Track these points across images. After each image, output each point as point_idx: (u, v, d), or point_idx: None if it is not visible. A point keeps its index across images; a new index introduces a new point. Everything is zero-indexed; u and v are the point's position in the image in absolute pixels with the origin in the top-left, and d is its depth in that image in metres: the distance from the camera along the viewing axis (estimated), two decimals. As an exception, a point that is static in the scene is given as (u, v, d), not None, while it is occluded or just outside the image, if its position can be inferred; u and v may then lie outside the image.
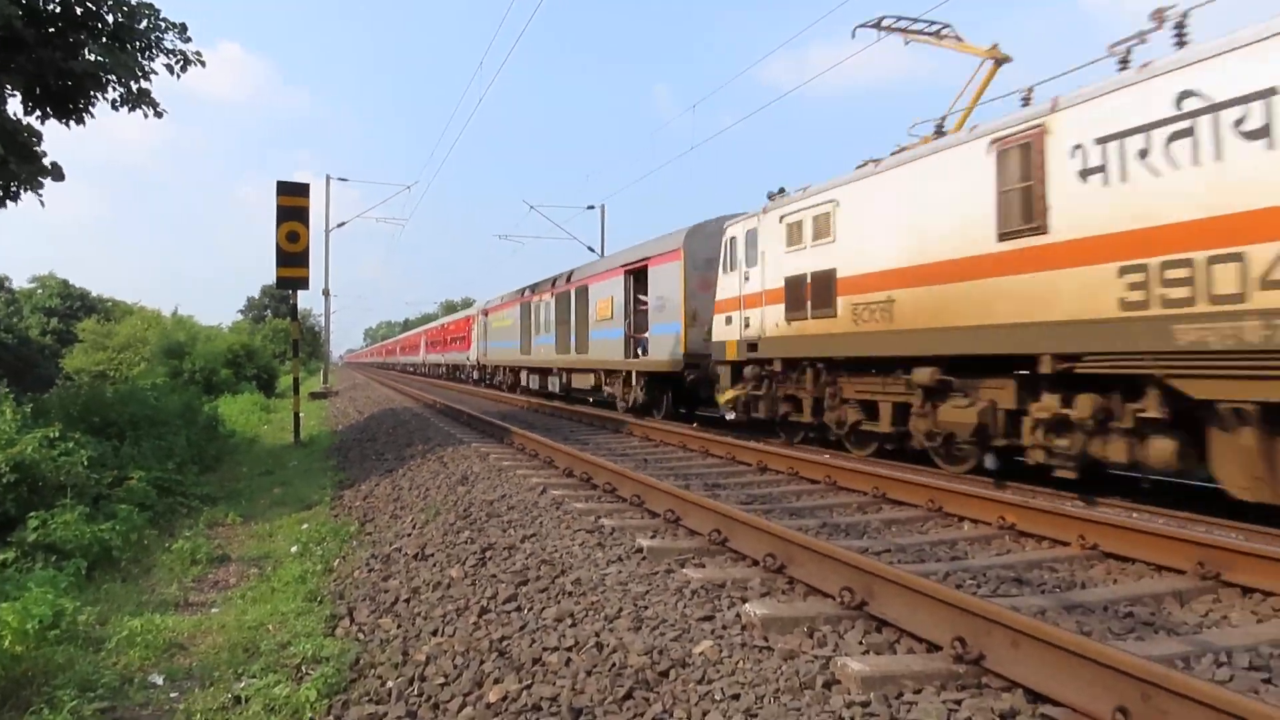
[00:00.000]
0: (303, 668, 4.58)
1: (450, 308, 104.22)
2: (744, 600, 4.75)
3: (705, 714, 3.47)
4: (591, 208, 39.79)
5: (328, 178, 39.15)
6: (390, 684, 4.22)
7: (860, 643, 4.16)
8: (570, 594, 5.09)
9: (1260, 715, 2.73)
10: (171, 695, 4.44)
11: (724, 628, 4.36)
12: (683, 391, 17.24)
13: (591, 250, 37.48)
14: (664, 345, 17.16)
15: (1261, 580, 5.01)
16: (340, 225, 42.79)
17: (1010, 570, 5.59)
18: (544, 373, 26.28)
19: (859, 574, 4.60)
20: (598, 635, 4.33)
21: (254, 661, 4.76)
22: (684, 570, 5.41)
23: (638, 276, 19.27)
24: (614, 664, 3.96)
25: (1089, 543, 6.04)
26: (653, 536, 6.44)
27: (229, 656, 4.87)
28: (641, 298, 19.23)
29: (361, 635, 5.06)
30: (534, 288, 27.65)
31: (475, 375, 39.01)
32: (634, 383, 18.61)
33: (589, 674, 3.90)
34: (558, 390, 24.63)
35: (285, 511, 9.58)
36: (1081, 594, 5.07)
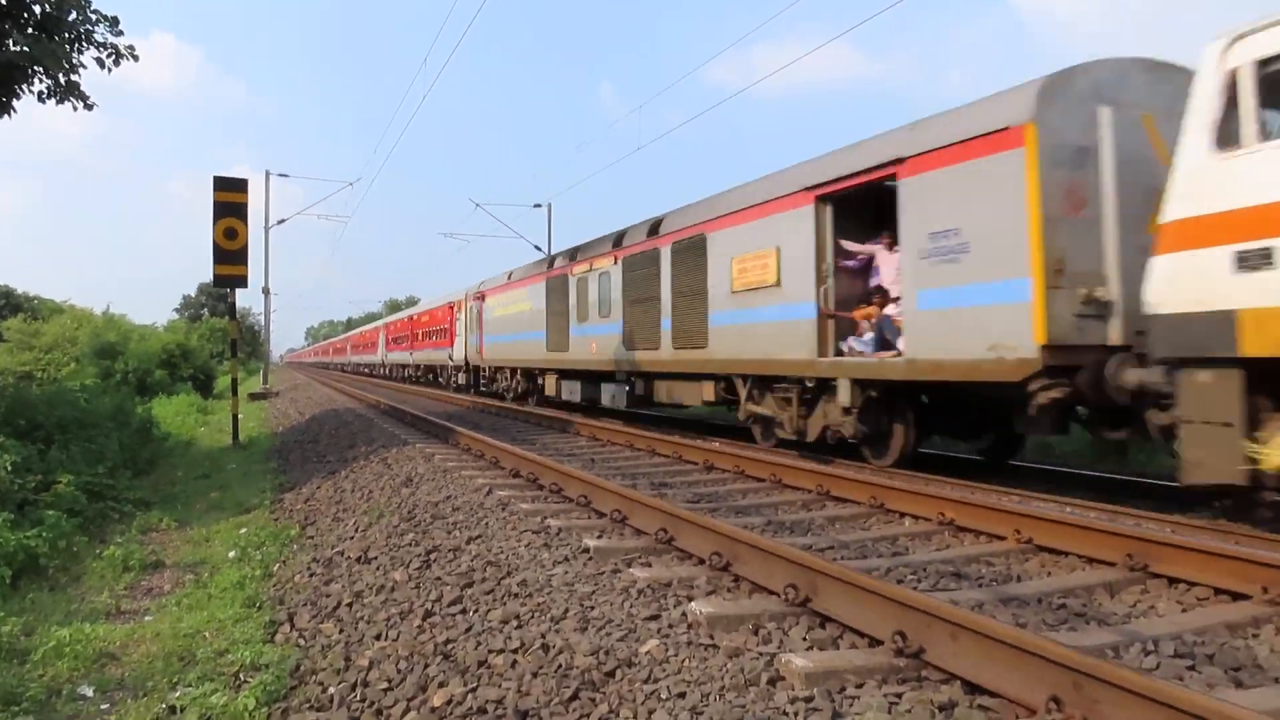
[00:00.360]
0: (241, 675, 4.47)
1: (395, 306, 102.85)
2: (690, 599, 4.77)
3: (651, 713, 3.48)
4: (538, 206, 39.53)
5: (267, 173, 38.39)
6: (332, 690, 4.14)
7: (804, 639, 4.21)
8: (516, 595, 5.06)
9: (1183, 701, 2.83)
10: (102, 707, 4.30)
11: (670, 626, 4.38)
12: (1024, 421, 8.52)
13: (539, 249, 37.14)
14: (963, 326, 8.45)
15: (1186, 571, 5.20)
16: (281, 222, 41.74)
17: (949, 565, 5.71)
18: (596, 378, 18.00)
19: (803, 571, 4.66)
20: (544, 636, 4.32)
21: (190, 670, 4.63)
22: (630, 570, 5.42)
23: (847, 204, 10.63)
24: (560, 665, 3.95)
25: (1024, 537, 6.21)
26: (599, 536, 6.43)
27: (163, 665, 4.73)
28: (851, 245, 10.78)
29: (302, 641, 4.96)
30: (572, 254, 19.43)
31: (461, 379, 30.05)
32: (842, 399, 10.06)
33: (535, 675, 3.88)
34: (621, 404, 16.79)
35: (223, 515, 9.35)
36: (1017, 587, 5.21)
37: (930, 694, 3.53)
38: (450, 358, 31.33)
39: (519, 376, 23.51)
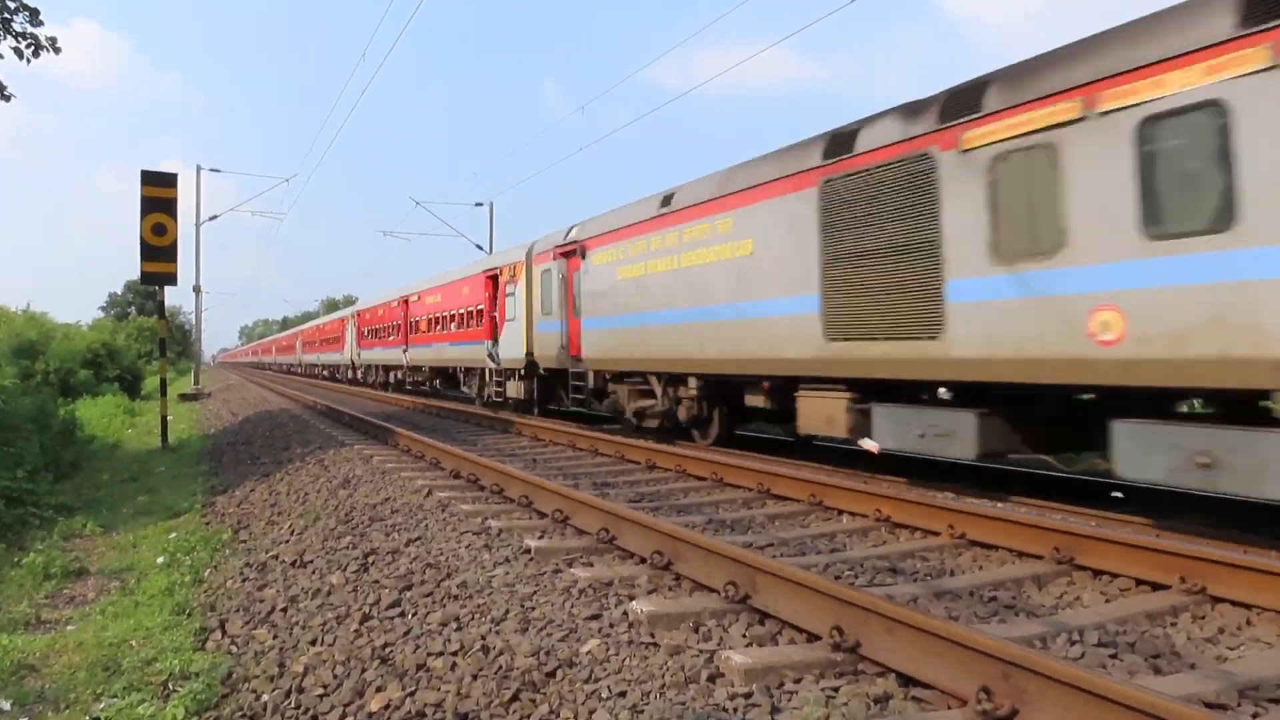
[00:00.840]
0: (169, 684, 4.34)
1: (332, 305, 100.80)
2: (631, 598, 4.78)
3: (592, 712, 3.48)
4: (480, 205, 39.11)
5: (198, 168, 37.37)
6: (265, 697, 4.05)
7: (744, 635, 4.26)
8: (456, 597, 5.01)
9: (1105, 689, 2.94)
10: (20, 720, 4.13)
11: (611, 626, 4.38)
12: None
13: (480, 248, 36.77)
14: None
15: (1109, 563, 5.39)
16: (213, 218, 40.52)
17: (885, 560, 5.82)
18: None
19: (743, 568, 4.71)
20: (484, 638, 4.28)
21: (115, 680, 4.48)
22: (572, 570, 5.41)
23: None
24: (500, 666, 3.92)
25: (958, 532, 6.36)
26: (541, 537, 6.41)
27: (86, 676, 4.57)
28: None
29: (234, 648, 4.83)
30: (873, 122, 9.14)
31: (511, 392, 19.30)
32: None
33: (475, 678, 3.85)
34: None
35: (151, 520, 9.06)
36: (950, 581, 5.34)
37: (866, 687, 3.60)
38: (492, 355, 20.43)
39: (697, 391, 12.35)
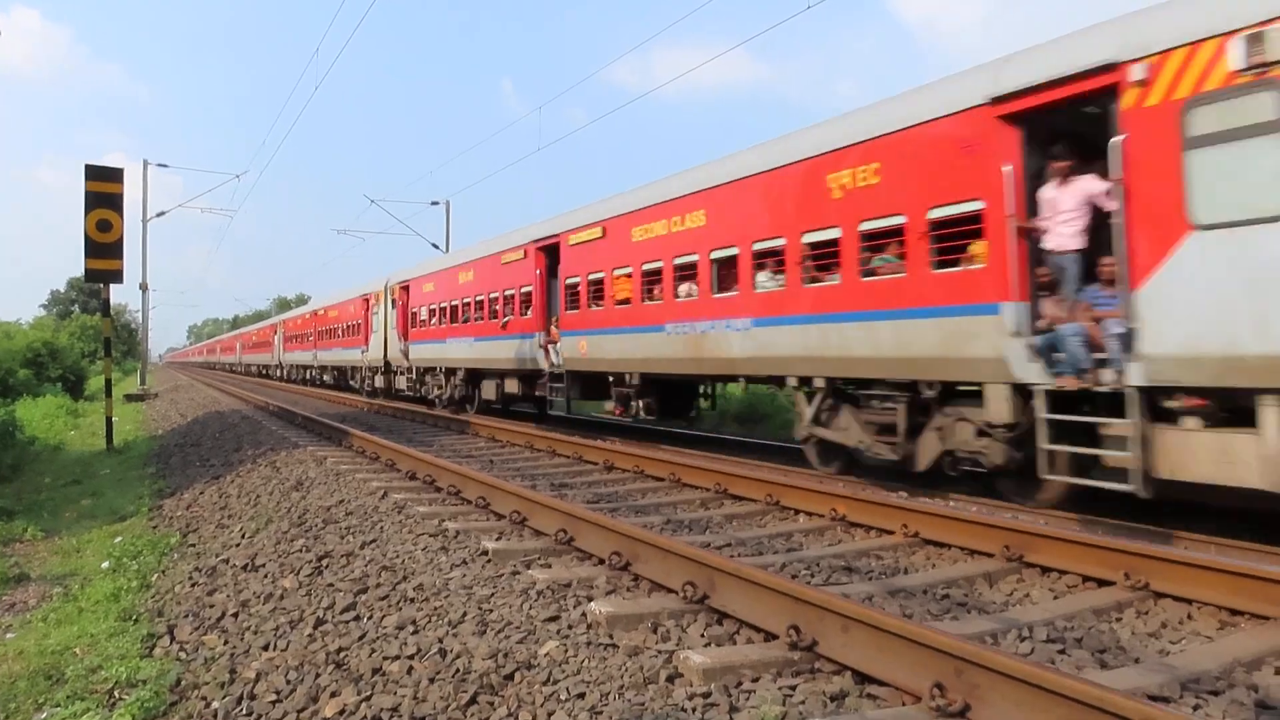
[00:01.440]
0: (115, 693, 4.23)
1: (284, 304, 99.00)
2: (590, 599, 4.78)
3: (551, 714, 3.47)
4: (436, 204, 38.76)
5: (145, 163, 36.37)
6: (215, 704, 3.96)
7: (702, 635, 4.28)
8: (412, 600, 4.96)
9: (1053, 683, 3.01)
10: (-43, 732, 4.00)
11: (570, 627, 4.37)
12: None
13: (436, 247, 36.49)
14: None
15: (1058, 560, 5.52)
16: (160, 214, 39.48)
17: (841, 559, 5.89)
18: None
19: (701, 568, 4.73)
20: (441, 641, 4.25)
21: (58, 689, 4.35)
22: (530, 571, 5.38)
23: None
24: (458, 670, 3.89)
25: (911, 531, 6.46)
26: (498, 539, 6.37)
27: (28, 686, 4.43)
28: None
29: (183, 654, 4.73)
30: None
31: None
32: None
33: (432, 681, 3.81)
34: None
35: (95, 524, 8.82)
36: (904, 579, 5.42)
37: (823, 685, 3.65)
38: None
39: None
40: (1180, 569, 4.94)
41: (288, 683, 4.04)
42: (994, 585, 5.42)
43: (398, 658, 4.13)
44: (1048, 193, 7.33)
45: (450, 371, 20.58)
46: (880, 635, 3.65)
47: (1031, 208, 7.42)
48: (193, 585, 6.06)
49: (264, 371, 51.69)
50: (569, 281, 14.87)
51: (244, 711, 3.85)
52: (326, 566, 5.92)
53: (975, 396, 7.81)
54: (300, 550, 6.42)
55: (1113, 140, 6.63)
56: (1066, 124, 7.40)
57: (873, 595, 4.95)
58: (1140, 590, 4.98)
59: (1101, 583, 5.22)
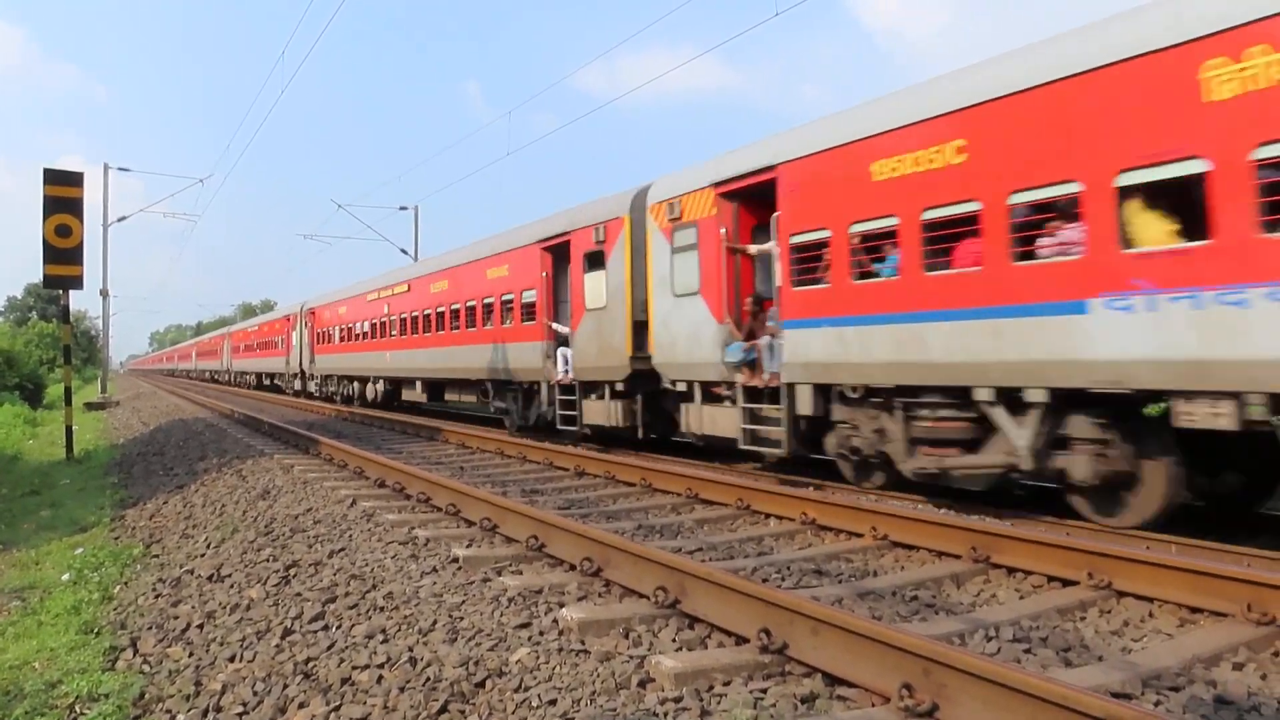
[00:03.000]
0: (76, 708, 4.15)
1: (249, 311, 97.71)
2: (561, 605, 4.77)
3: (522, 722, 3.46)
4: (404, 209, 38.56)
5: (105, 167, 35.89)
6: (181, 717, 3.90)
7: (674, 640, 4.29)
8: (382, 609, 4.91)
9: (1019, 682, 3.05)
10: (-89, 751, 3.90)
11: (541, 634, 4.36)
12: None
13: (405, 253, 36.40)
14: None
15: (1023, 561, 5.61)
16: (121, 219, 38.91)
17: (811, 562, 5.93)
18: None
19: (672, 573, 4.74)
20: (411, 650, 4.21)
21: (16, 705, 4.25)
22: (501, 578, 5.36)
23: None
24: (428, 678, 3.86)
25: (880, 534, 6.53)
26: (469, 545, 6.33)
27: (-15, 701, 4.33)
28: None
29: (147, 667, 4.64)
30: None
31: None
32: None
33: (402, 690, 3.78)
34: None
35: (55, 535, 8.63)
36: (874, 581, 5.47)
37: (793, 687, 3.67)
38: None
39: (382, 385, 25.18)
40: (1142, 568, 5.04)
41: (255, 694, 3.99)
42: (961, 586, 5.48)
43: (367, 667, 4.09)
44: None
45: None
46: (849, 637, 3.68)
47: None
48: (156, 597, 5.95)
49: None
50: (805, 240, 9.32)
51: (210, 724, 3.80)
52: (294, 576, 5.85)
53: None
54: (267, 559, 6.34)
55: None
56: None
57: (842, 598, 4.99)
58: (1103, 589, 5.07)
59: (1066, 582, 5.30)
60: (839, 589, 5.21)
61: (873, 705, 3.49)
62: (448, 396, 21.04)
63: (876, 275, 8.45)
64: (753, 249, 10.51)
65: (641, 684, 3.72)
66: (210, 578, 6.13)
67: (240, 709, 3.88)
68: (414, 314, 21.31)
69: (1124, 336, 6.40)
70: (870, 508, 6.92)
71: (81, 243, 15.40)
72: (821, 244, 9.02)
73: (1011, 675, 3.11)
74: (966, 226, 7.49)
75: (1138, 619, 4.76)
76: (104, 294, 36.98)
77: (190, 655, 4.70)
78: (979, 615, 4.76)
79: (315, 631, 4.71)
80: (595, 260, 13.12)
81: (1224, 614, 4.61)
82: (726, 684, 3.72)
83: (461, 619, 4.61)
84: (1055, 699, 2.92)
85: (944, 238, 7.69)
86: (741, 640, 4.16)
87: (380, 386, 24.41)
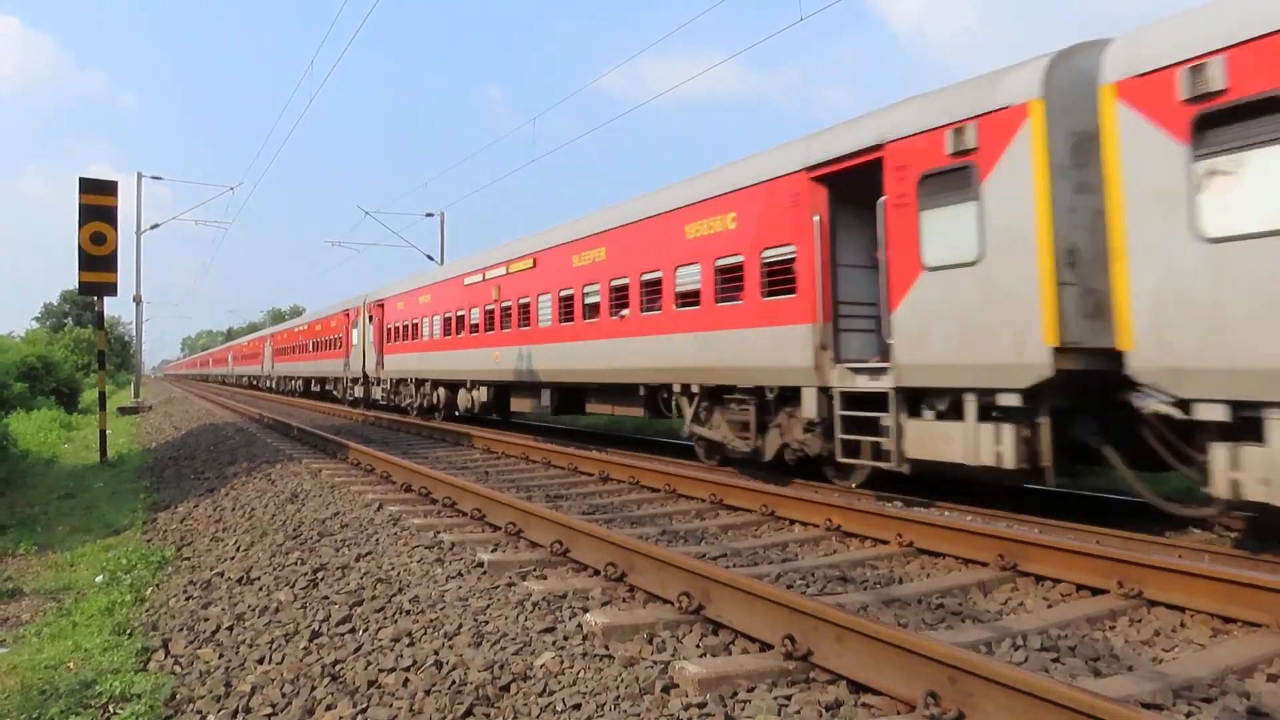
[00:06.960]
0: (110, 707, 4.22)
1: (278, 316, 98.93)
2: (585, 610, 4.78)
3: (546, 726, 3.47)
4: (431, 215, 38.83)
5: (139, 175, 36.41)
6: (211, 718, 3.96)
7: (698, 645, 4.28)
8: (408, 612, 4.96)
9: (1047, 691, 3.02)
10: (-49, 748, 3.99)
11: (565, 638, 4.37)
12: None
13: (431, 259, 36.67)
14: None
15: (1052, 569, 5.54)
16: (154, 227, 39.49)
17: (836, 569, 5.91)
18: None
19: (696, 579, 4.74)
20: (437, 653, 4.25)
21: (52, 704, 4.34)
22: (525, 583, 5.38)
23: None
24: (454, 681, 3.89)
25: (906, 540, 6.48)
26: (494, 550, 6.37)
27: (21, 701, 4.42)
28: None
29: (178, 668, 4.72)
30: None
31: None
32: None
33: (428, 693, 3.81)
34: None
35: (89, 538, 8.79)
36: (899, 589, 5.43)
37: (818, 694, 3.65)
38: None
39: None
40: (1173, 577, 4.97)
41: (283, 696, 4.04)
42: (988, 594, 5.43)
43: (394, 670, 4.13)
44: None
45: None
46: (874, 644, 3.66)
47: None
48: (187, 599, 6.04)
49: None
50: None
51: (239, 725, 3.85)
52: (322, 579, 5.92)
53: None
54: (295, 563, 6.41)
55: None
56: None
57: (867, 605, 4.96)
58: (1133, 598, 5.01)
59: (1095, 591, 5.24)
60: (864, 596, 5.18)
61: (898, 713, 3.47)
62: (591, 407, 15.70)
63: None
64: None
65: (665, 690, 3.72)
66: (240, 580, 6.21)
67: (269, 710, 3.93)
68: (544, 296, 16.08)
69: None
70: (896, 514, 6.88)
71: (116, 250, 15.69)
72: None
73: (1039, 684, 3.07)
74: None
75: (1169, 629, 4.69)
76: (137, 300, 37.55)
77: (220, 657, 4.76)
78: (1006, 623, 4.71)
79: (342, 634, 4.76)
80: (950, 185, 8.18)
81: (1258, 624, 4.53)
82: (751, 690, 3.71)
83: (486, 623, 4.63)
84: (1084, 708, 2.89)
85: None
86: (766, 647, 4.15)
87: (481, 394, 19.13)
